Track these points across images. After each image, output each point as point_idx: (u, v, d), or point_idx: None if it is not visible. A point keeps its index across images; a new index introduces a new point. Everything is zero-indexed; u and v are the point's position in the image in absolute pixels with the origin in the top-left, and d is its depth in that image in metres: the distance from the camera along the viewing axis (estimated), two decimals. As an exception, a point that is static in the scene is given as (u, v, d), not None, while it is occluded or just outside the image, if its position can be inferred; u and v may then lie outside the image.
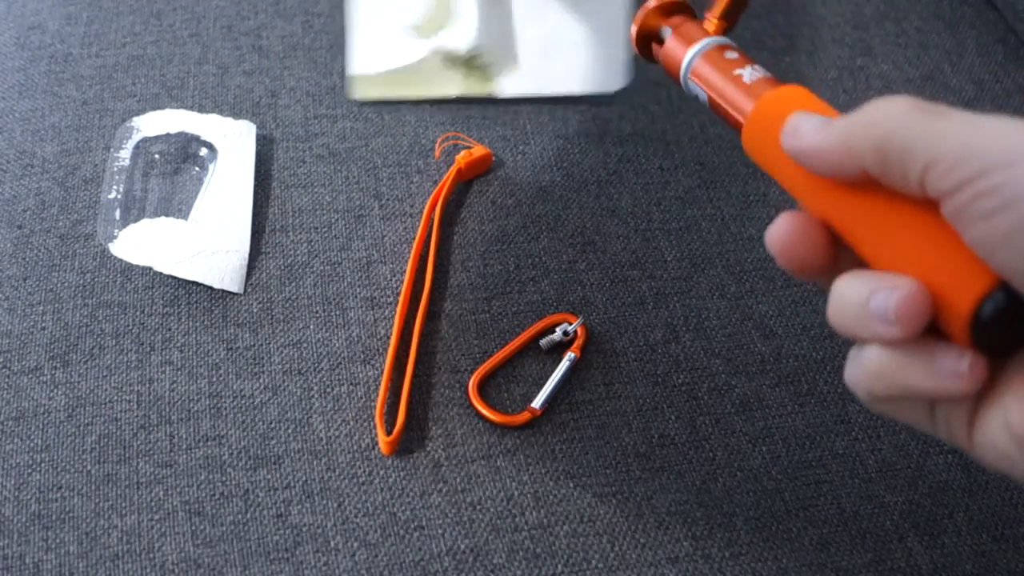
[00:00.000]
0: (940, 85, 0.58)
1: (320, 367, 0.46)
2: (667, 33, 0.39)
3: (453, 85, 0.55)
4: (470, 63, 0.56)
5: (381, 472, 0.43)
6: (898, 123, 0.25)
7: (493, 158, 0.54)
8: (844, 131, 0.27)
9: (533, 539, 0.41)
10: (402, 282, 0.49)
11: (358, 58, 0.56)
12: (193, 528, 0.41)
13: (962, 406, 0.26)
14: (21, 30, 0.60)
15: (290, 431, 0.44)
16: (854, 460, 0.43)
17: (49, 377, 0.45)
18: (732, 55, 0.36)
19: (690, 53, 0.37)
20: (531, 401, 0.44)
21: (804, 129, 0.28)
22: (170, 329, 0.47)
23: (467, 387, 0.45)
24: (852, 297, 0.26)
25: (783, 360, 0.47)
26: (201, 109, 0.56)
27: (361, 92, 0.55)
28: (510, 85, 0.56)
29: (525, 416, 0.44)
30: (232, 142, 0.53)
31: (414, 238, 0.50)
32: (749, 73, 0.35)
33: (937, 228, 0.25)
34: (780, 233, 0.29)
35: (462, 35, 0.56)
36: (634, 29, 0.40)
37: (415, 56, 0.56)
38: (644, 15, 0.40)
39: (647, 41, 0.40)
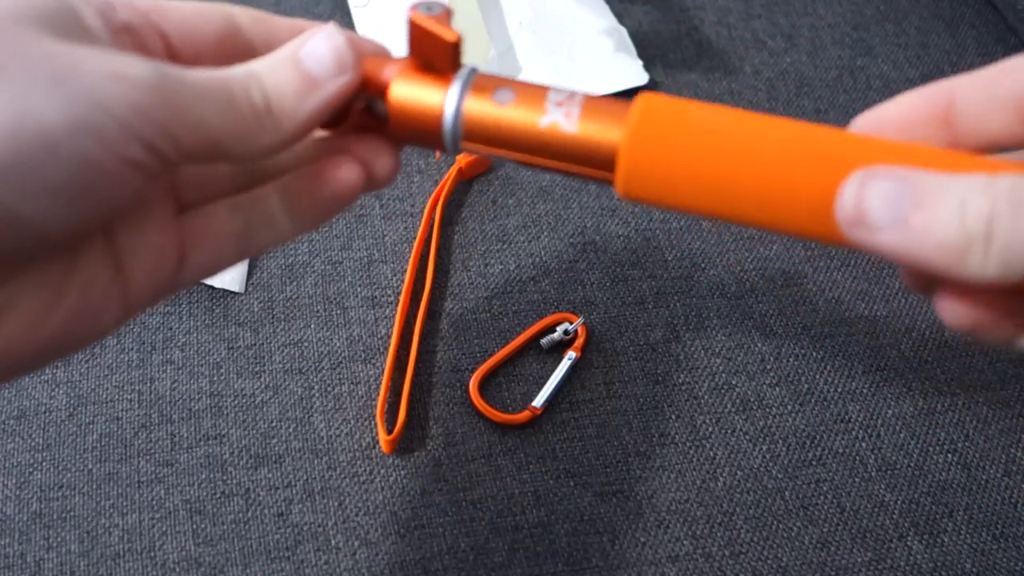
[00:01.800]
0: (940, 85, 0.59)
1: (321, 366, 0.46)
2: (391, 73, 0.27)
3: None
4: None
5: (382, 471, 0.43)
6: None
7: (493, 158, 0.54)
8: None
9: (534, 538, 0.41)
10: (403, 281, 0.49)
11: None
12: (194, 527, 0.41)
13: None
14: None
15: (291, 430, 0.44)
16: (854, 459, 0.44)
17: (50, 376, 0.45)
18: (505, 96, 0.26)
19: (452, 97, 0.26)
20: (532, 400, 0.45)
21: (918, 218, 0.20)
22: (171, 328, 0.47)
23: (468, 386, 0.45)
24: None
25: (783, 360, 0.47)
26: (202, 109, 0.56)
27: None
28: None
29: (526, 415, 0.44)
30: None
31: (415, 237, 0.50)
32: (562, 115, 0.25)
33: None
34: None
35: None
36: (342, 85, 0.26)
37: None
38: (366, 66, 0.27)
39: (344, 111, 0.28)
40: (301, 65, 0.25)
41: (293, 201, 0.27)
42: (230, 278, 0.48)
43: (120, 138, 0.21)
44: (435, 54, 0.26)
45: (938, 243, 0.19)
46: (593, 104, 0.26)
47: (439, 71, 0.27)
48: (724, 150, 0.24)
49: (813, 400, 0.45)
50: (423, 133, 0.27)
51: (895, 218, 0.20)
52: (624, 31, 0.59)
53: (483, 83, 0.27)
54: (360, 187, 0.28)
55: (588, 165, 0.26)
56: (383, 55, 0.28)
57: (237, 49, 0.27)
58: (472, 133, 0.27)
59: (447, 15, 0.26)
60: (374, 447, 0.43)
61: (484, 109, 0.26)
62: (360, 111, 0.28)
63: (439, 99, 0.26)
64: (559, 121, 0.26)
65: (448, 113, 0.26)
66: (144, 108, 0.21)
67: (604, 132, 0.25)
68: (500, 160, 0.54)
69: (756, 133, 0.24)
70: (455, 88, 0.26)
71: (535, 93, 0.26)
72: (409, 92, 0.27)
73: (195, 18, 0.26)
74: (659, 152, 0.25)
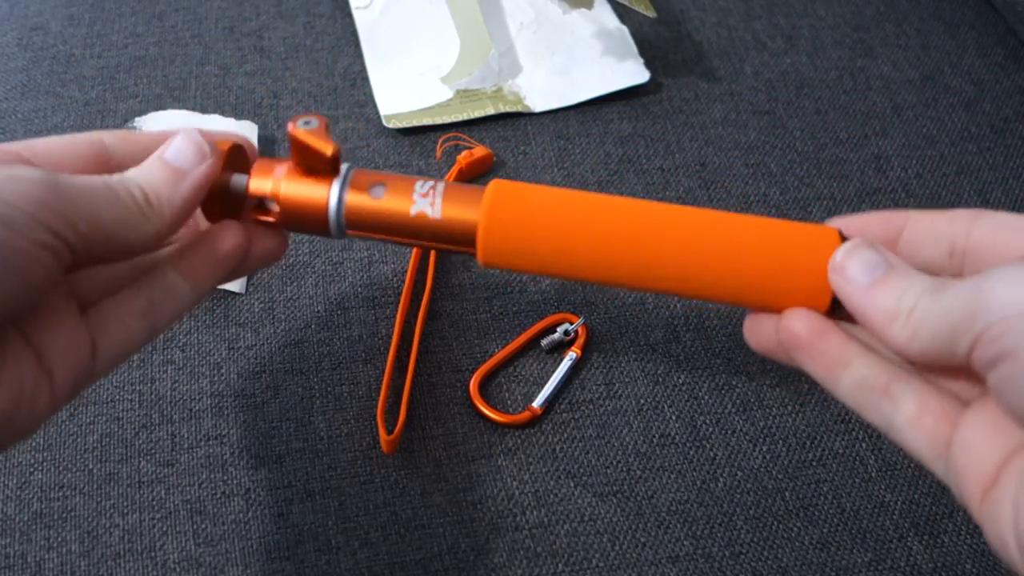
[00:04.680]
0: (940, 86, 0.59)
1: (321, 367, 0.46)
2: (280, 173, 0.32)
3: (487, 109, 0.56)
4: (498, 93, 0.57)
5: (382, 471, 0.43)
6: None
7: (494, 158, 0.54)
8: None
9: (534, 538, 0.41)
10: (403, 282, 0.49)
11: (384, 100, 0.57)
12: (195, 527, 0.41)
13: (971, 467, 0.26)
14: (24, 31, 0.61)
15: (291, 430, 0.44)
16: (854, 459, 0.44)
17: (51, 376, 0.45)
18: (379, 191, 0.31)
19: (334, 195, 0.31)
20: (532, 400, 0.45)
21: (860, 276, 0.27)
22: (172, 328, 0.47)
23: (468, 386, 0.45)
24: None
25: (783, 360, 0.47)
26: (203, 110, 0.56)
27: (395, 124, 0.55)
28: (540, 101, 0.57)
29: (526, 415, 0.44)
30: (234, 142, 0.53)
31: (415, 238, 0.50)
32: (428, 204, 0.31)
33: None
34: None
35: (485, 78, 0.57)
36: (199, 182, 0.30)
37: (443, 96, 0.57)
38: (213, 167, 0.31)
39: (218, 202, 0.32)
40: (167, 163, 0.30)
41: (188, 270, 0.32)
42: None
43: (28, 224, 0.25)
44: (316, 163, 0.31)
45: (880, 307, 0.26)
46: (453, 192, 0.31)
47: (321, 173, 0.31)
48: (561, 226, 0.30)
49: (813, 400, 0.45)
50: (311, 225, 0.32)
51: (865, 279, 0.27)
52: (626, 30, 0.59)
53: (360, 180, 0.31)
54: (243, 246, 0.32)
55: (453, 244, 0.31)
56: (243, 141, 0.33)
57: (108, 169, 0.31)
58: (354, 223, 0.31)
59: (324, 128, 0.30)
60: (374, 447, 0.44)
61: (362, 203, 0.31)
62: (254, 208, 0.33)
63: (323, 198, 0.31)
64: (426, 210, 0.31)
65: (332, 209, 0.31)
66: (43, 200, 0.25)
67: (464, 214, 0.31)
68: (500, 161, 0.55)
69: (588, 210, 0.30)
70: (336, 188, 0.31)
71: (403, 187, 0.31)
72: (297, 192, 0.31)
73: (64, 146, 0.31)
74: (509, 230, 0.30)
